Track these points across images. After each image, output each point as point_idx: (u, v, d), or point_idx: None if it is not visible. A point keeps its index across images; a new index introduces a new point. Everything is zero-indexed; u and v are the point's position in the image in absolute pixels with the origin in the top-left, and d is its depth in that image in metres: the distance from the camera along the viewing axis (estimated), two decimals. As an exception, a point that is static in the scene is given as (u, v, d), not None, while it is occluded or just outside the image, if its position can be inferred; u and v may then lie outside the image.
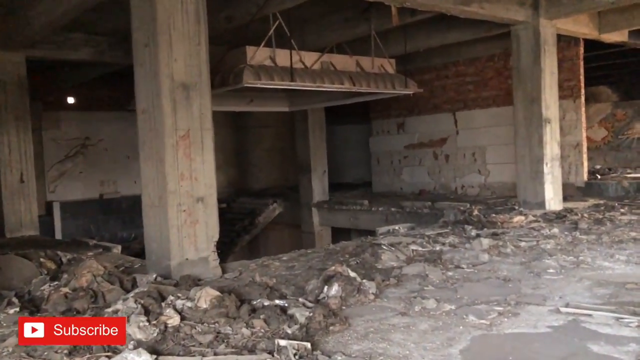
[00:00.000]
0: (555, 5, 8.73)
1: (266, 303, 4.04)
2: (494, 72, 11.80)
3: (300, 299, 4.19)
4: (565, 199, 9.64)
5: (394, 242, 6.49)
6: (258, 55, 7.67)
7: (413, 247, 6.23)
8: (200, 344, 3.41)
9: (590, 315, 3.75)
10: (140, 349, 3.06)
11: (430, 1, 7.58)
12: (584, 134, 11.08)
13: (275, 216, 14.29)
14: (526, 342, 3.38)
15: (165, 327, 3.59)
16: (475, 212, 8.28)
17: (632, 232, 6.60)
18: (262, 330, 3.57)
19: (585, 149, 11.07)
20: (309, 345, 3.21)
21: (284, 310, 3.86)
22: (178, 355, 3.27)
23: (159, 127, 5.27)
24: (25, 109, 9.28)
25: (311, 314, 3.68)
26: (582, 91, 10.91)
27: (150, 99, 5.36)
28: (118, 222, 13.77)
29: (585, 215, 8.12)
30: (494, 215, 8.18)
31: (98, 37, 9.35)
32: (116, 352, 3.14)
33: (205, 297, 3.90)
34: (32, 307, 4.41)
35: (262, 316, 3.72)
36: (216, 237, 5.62)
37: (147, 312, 3.78)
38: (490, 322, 3.72)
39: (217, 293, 3.99)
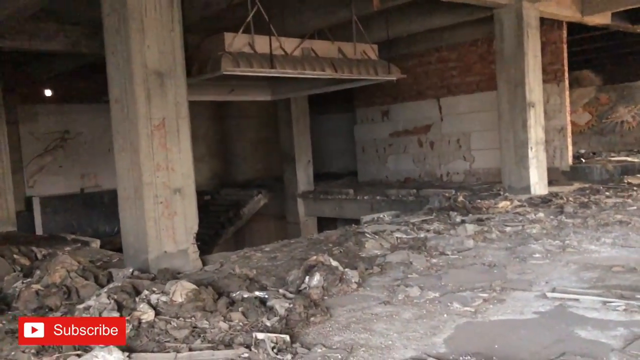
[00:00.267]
0: (538, -13, 8.65)
1: (245, 295, 3.93)
2: (478, 57, 11.70)
3: (281, 290, 4.10)
4: (550, 183, 9.60)
5: (378, 230, 6.40)
6: (236, 42, 7.46)
7: (397, 234, 6.16)
8: (176, 339, 3.30)
9: (577, 299, 3.68)
10: (111, 347, 2.95)
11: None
12: (569, 118, 11.04)
13: (261, 207, 14.17)
14: (512, 328, 3.30)
15: (139, 322, 3.48)
16: (460, 199, 8.22)
17: (617, 215, 6.55)
18: (241, 324, 3.47)
19: (569, 133, 11.02)
20: (287, 337, 3.11)
21: (263, 302, 3.76)
22: (152, 351, 3.16)
23: (133, 117, 5.11)
24: (-2, 102, 9.01)
25: (291, 305, 3.58)
26: (566, 75, 10.85)
27: (123, 87, 5.20)
28: (100, 216, 13.53)
29: (571, 199, 8.08)
30: (479, 201, 8.10)
31: (72, 26, 8.99)
32: (87, 350, 3.02)
33: (181, 290, 3.77)
34: (3, 306, 4.26)
35: (240, 309, 3.61)
36: (195, 228, 5.48)
37: (120, 307, 3.66)
38: (475, 309, 3.63)
39: (193, 286, 3.86)
